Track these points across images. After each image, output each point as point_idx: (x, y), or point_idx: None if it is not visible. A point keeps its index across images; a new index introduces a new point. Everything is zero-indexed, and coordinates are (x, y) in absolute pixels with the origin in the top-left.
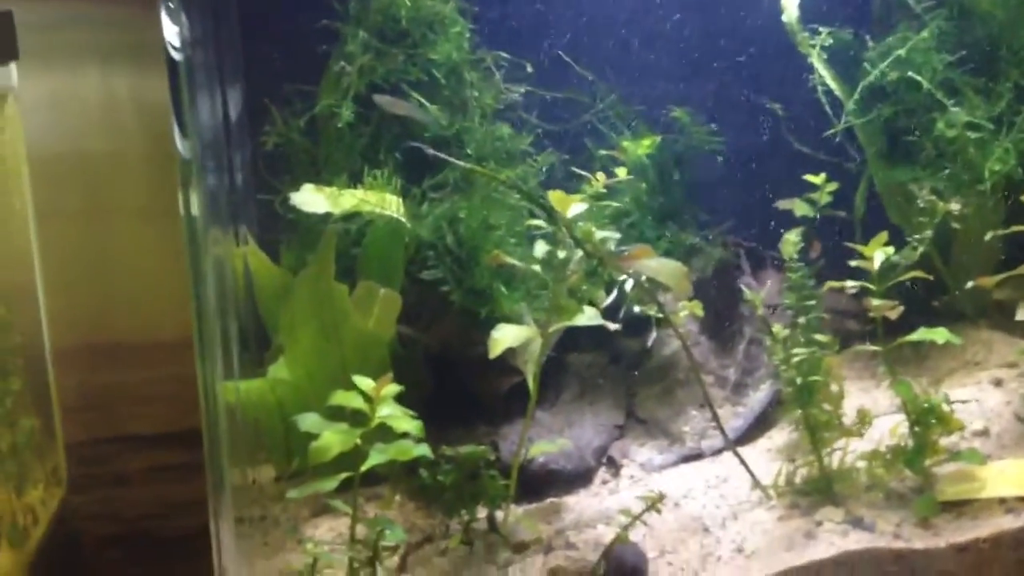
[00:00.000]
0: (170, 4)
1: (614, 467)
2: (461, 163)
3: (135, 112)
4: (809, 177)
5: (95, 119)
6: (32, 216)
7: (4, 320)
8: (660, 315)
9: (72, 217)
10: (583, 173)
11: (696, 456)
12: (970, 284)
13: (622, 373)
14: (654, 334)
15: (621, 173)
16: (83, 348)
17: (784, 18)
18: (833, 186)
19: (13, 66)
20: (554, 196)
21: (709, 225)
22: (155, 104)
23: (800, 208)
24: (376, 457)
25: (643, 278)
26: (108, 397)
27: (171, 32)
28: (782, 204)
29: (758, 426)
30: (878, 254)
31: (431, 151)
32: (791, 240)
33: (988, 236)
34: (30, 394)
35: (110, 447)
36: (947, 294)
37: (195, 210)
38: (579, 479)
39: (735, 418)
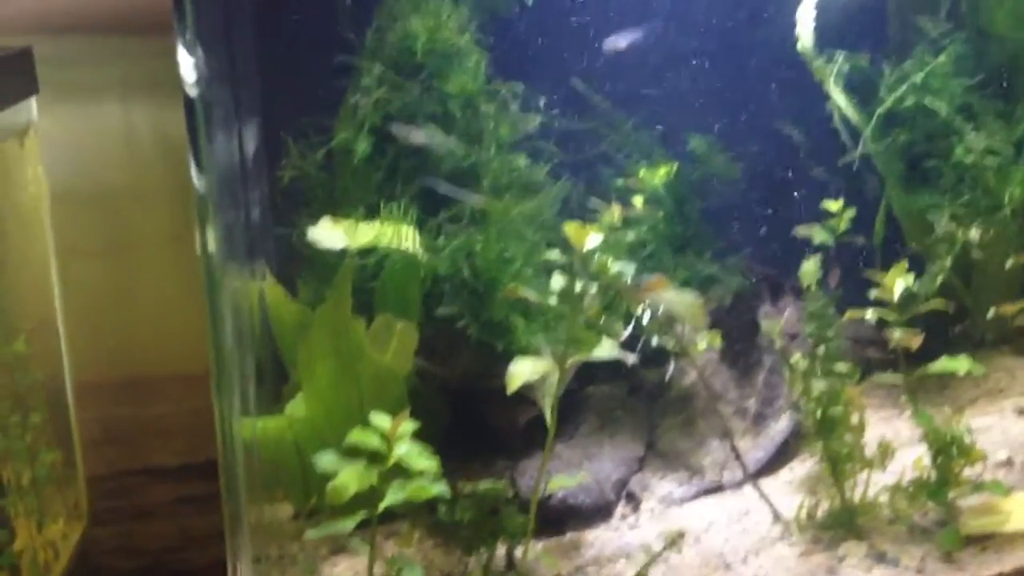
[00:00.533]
0: (186, 36)
1: (634, 501)
2: (476, 195)
3: (155, 144)
4: (827, 204)
5: (115, 152)
6: (53, 250)
7: (24, 356)
8: (678, 348)
9: (92, 251)
10: (599, 204)
11: (717, 489)
12: (992, 312)
13: (641, 404)
14: (672, 366)
15: (638, 201)
16: (104, 382)
17: (799, 45)
18: (851, 212)
19: (33, 100)
20: (570, 228)
21: (727, 253)
22: (175, 136)
23: (819, 235)
24: (392, 496)
25: (660, 310)
26: (129, 430)
27: (187, 65)
28: (800, 231)
29: (779, 457)
30: (898, 283)
31: (444, 187)
32: (810, 268)
33: (1009, 263)
34: (51, 428)
35: (132, 480)
36: (969, 320)
37: (212, 246)
38: (598, 514)
39: (755, 449)
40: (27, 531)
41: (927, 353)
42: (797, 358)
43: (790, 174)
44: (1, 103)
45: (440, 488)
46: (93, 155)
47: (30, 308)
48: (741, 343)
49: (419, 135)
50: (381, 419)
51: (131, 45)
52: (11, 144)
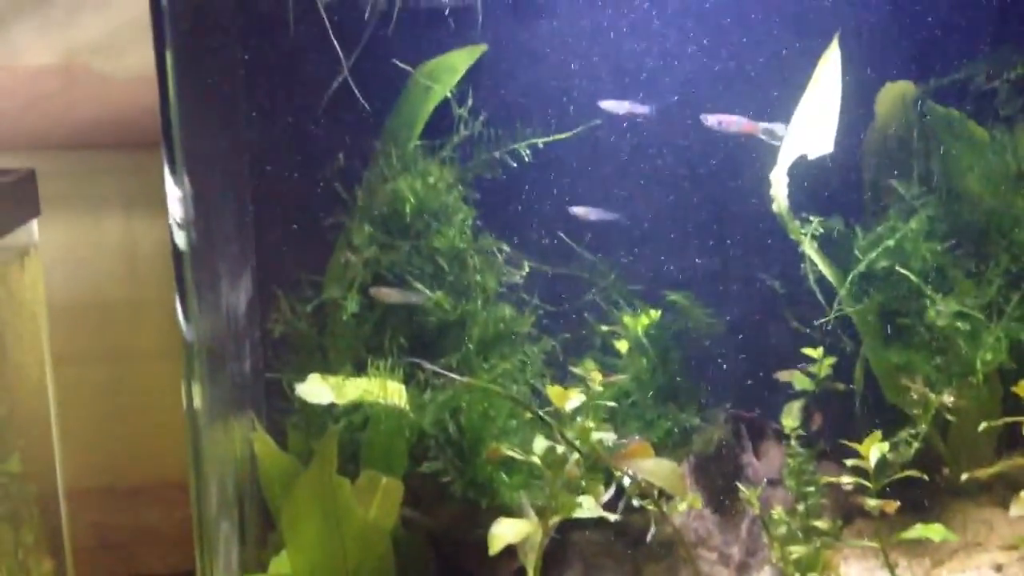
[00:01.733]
0: (173, 166)
1: None
2: (458, 377)
3: (155, 257)
4: (807, 351)
5: (115, 265)
6: (49, 363)
7: (20, 472)
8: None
9: (89, 363)
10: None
11: None
12: (965, 476)
13: (626, 550)
14: (653, 529)
15: (623, 347)
16: (97, 490)
17: (774, 207)
18: (831, 360)
19: (35, 223)
20: (552, 392)
21: (710, 402)
22: None
23: (800, 381)
24: None
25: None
26: (121, 537)
27: (174, 198)
28: (782, 376)
29: None
30: (873, 451)
31: (428, 366)
32: (791, 414)
33: (982, 427)
34: (44, 536)
35: None
36: (947, 471)
37: (197, 402)
38: None
39: None
40: None
41: (907, 504)
42: (779, 513)
43: (773, 322)
44: (3, 229)
45: None
46: (93, 267)
47: (26, 419)
48: (725, 490)
49: (396, 295)
50: None
51: (132, 160)
52: (12, 266)
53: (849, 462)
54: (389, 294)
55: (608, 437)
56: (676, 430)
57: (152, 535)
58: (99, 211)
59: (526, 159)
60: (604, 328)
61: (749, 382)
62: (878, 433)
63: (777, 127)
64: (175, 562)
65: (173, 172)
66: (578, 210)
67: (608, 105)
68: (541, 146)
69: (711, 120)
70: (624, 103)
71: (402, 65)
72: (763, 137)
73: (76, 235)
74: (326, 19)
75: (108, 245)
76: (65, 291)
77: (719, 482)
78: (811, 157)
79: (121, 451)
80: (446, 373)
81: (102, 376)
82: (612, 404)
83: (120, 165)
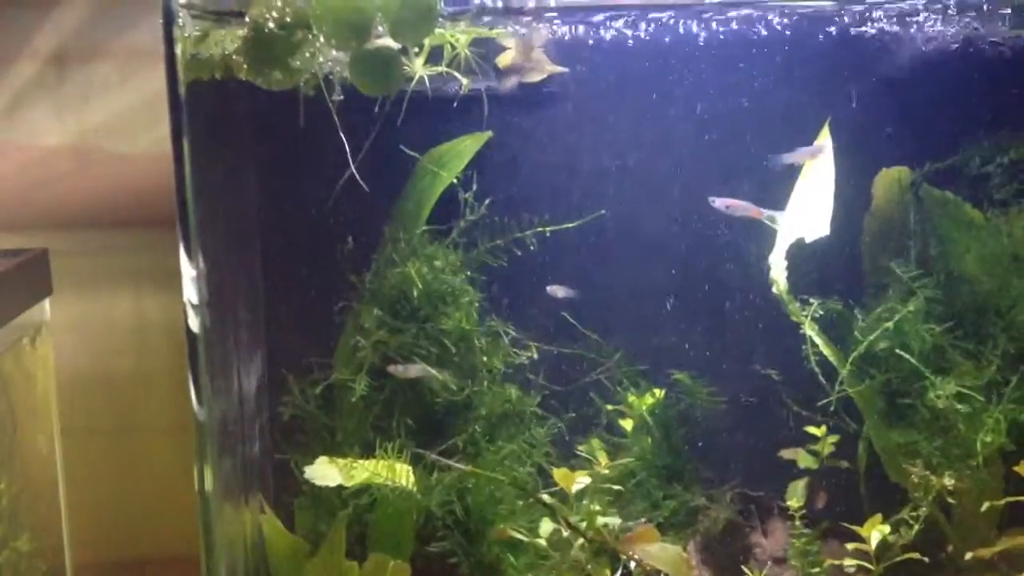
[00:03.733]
0: (189, 249)
1: None
2: (460, 466)
3: (165, 333)
4: (810, 429)
5: (125, 340)
6: (58, 438)
7: (29, 549)
8: None
9: (99, 436)
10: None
11: None
12: (968, 556)
13: None
14: None
15: (628, 425)
16: (104, 562)
17: (774, 289)
18: (834, 438)
19: (47, 301)
20: (559, 474)
21: (715, 481)
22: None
23: (803, 460)
24: None
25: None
26: None
27: (189, 279)
28: (785, 454)
29: None
30: (874, 535)
31: (432, 456)
32: (795, 493)
33: (984, 507)
34: None
35: None
36: (952, 549)
37: (209, 483)
38: None
39: None
40: None
41: None
42: None
43: (775, 402)
44: (16, 308)
45: None
46: (104, 342)
47: (36, 496)
48: (732, 570)
49: (413, 369)
50: None
51: (143, 238)
52: (24, 344)
53: (851, 546)
54: (407, 370)
55: (613, 521)
56: (682, 510)
57: None
58: (110, 288)
59: (531, 246)
60: (609, 407)
61: (754, 461)
62: (879, 516)
63: (778, 214)
64: None
65: (188, 254)
66: (554, 289)
67: (722, 203)
68: (548, 234)
69: (719, 203)
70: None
71: (410, 152)
72: (767, 222)
73: (87, 311)
74: (335, 115)
75: (118, 321)
76: (75, 366)
77: (726, 562)
78: (808, 240)
79: (128, 525)
80: (450, 463)
81: (110, 450)
82: (618, 488)
83: (131, 243)
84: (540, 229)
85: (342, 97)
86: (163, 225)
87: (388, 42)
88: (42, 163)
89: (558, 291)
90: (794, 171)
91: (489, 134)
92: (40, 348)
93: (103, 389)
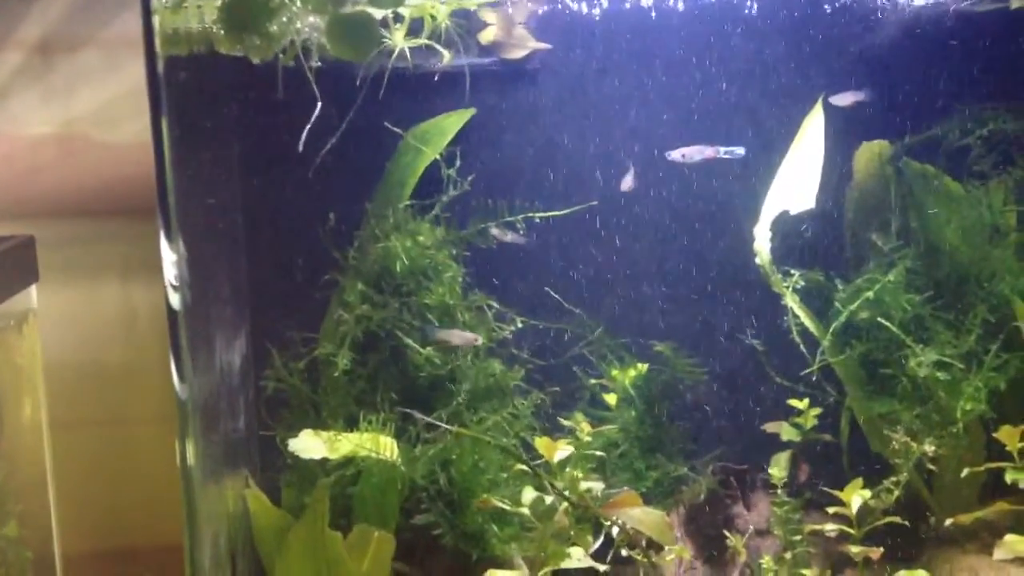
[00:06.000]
0: (168, 229)
1: None
2: (447, 426)
3: (152, 323)
4: (793, 402)
5: (113, 330)
6: (46, 426)
7: (17, 537)
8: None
9: (86, 426)
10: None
11: None
12: (949, 521)
13: None
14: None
15: (611, 399)
16: (94, 554)
17: (757, 261)
18: (816, 411)
19: (34, 288)
20: (541, 443)
21: (698, 452)
22: None
23: (787, 432)
24: None
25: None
26: None
27: (169, 261)
28: (769, 427)
29: None
30: (855, 499)
31: (419, 415)
32: (779, 465)
33: (964, 473)
34: None
35: None
36: (933, 518)
37: (191, 459)
38: None
39: None
40: None
41: (894, 552)
42: (767, 561)
43: (758, 374)
44: (3, 295)
45: None
46: (91, 332)
47: (23, 484)
48: (715, 540)
49: (456, 335)
50: None
51: (130, 227)
52: (10, 331)
53: (832, 509)
54: (449, 334)
55: (596, 487)
56: (665, 481)
57: None
58: (97, 277)
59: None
60: (593, 381)
61: (737, 434)
62: (859, 480)
63: (737, 148)
64: None
65: (168, 235)
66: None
67: (678, 153)
68: (538, 220)
69: (675, 155)
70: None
71: (393, 129)
72: (725, 156)
73: (74, 301)
74: (314, 85)
75: (105, 311)
76: (62, 355)
77: (709, 532)
78: (793, 213)
79: (117, 514)
80: (436, 423)
81: (98, 440)
82: (600, 454)
83: (118, 232)
84: (532, 215)
85: (320, 64)
86: (150, 214)
87: (367, 8)
88: (28, 152)
89: (506, 235)
90: (784, 142)
91: (472, 111)
92: (27, 335)
93: (91, 379)
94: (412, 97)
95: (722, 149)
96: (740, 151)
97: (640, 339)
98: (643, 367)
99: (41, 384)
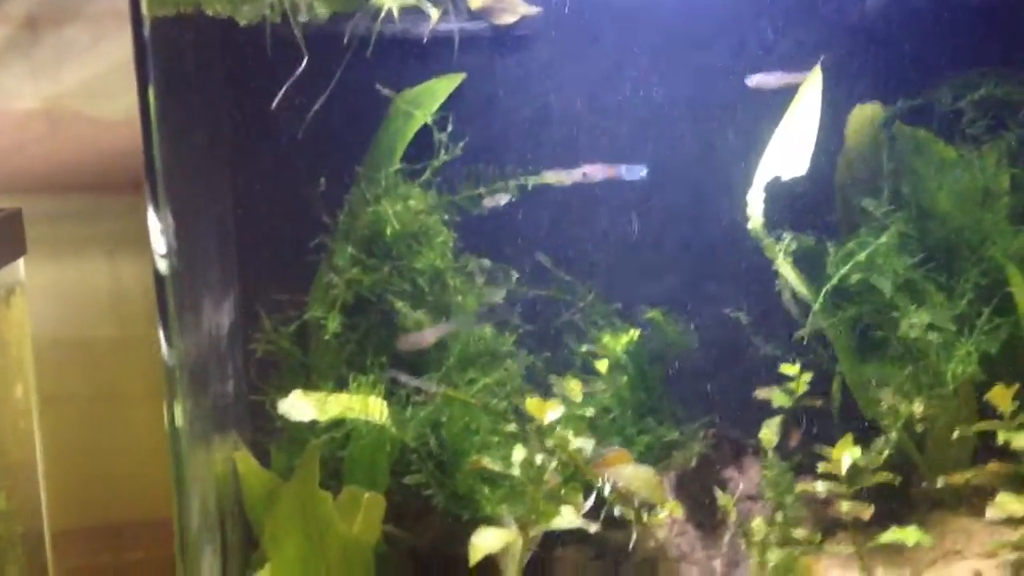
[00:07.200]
0: (156, 197)
1: None
2: (438, 388)
3: (140, 298)
4: (784, 368)
5: (101, 306)
6: (35, 402)
7: (6, 511)
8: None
9: (75, 401)
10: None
11: None
12: (940, 482)
13: (607, 568)
14: (635, 537)
15: (602, 366)
16: (83, 530)
17: (749, 225)
18: (808, 376)
19: (21, 261)
20: (530, 403)
21: (689, 418)
22: None
23: (778, 398)
24: None
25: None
26: None
27: (157, 229)
28: (760, 393)
29: None
30: (845, 457)
31: (406, 379)
32: (769, 431)
33: (955, 434)
34: (30, 575)
35: None
36: (924, 482)
37: (179, 422)
38: None
39: None
40: None
41: (885, 514)
42: (758, 522)
43: (749, 341)
44: None
45: None
46: (79, 308)
47: (12, 458)
48: (706, 504)
49: (428, 335)
50: None
51: (118, 202)
52: None
53: (821, 467)
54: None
55: (587, 444)
56: (656, 445)
57: (137, 574)
58: (85, 252)
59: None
60: (584, 348)
61: (729, 399)
62: (849, 436)
63: (636, 167)
64: None
65: (155, 203)
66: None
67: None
68: (530, 187)
69: (583, 172)
70: None
71: (384, 91)
72: (625, 177)
73: (62, 276)
74: (303, 45)
75: (94, 285)
76: (51, 331)
77: (701, 497)
78: (785, 178)
79: (106, 489)
80: (425, 384)
81: (87, 415)
82: (590, 414)
83: (106, 207)
84: (517, 182)
85: (307, 22)
86: (139, 188)
87: None
88: (16, 127)
89: (496, 201)
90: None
91: (463, 75)
92: (15, 308)
93: (80, 354)
94: (402, 62)
95: (623, 168)
96: (640, 170)
97: (633, 305)
98: (635, 333)
99: (30, 356)
